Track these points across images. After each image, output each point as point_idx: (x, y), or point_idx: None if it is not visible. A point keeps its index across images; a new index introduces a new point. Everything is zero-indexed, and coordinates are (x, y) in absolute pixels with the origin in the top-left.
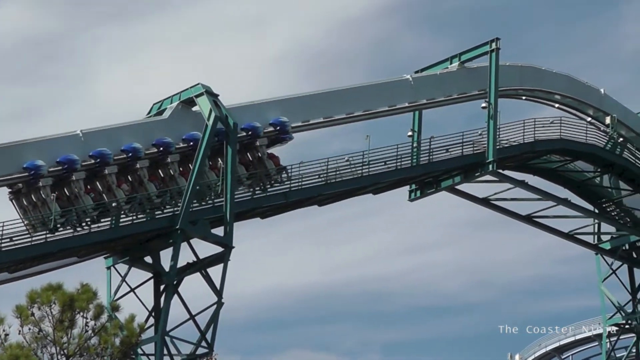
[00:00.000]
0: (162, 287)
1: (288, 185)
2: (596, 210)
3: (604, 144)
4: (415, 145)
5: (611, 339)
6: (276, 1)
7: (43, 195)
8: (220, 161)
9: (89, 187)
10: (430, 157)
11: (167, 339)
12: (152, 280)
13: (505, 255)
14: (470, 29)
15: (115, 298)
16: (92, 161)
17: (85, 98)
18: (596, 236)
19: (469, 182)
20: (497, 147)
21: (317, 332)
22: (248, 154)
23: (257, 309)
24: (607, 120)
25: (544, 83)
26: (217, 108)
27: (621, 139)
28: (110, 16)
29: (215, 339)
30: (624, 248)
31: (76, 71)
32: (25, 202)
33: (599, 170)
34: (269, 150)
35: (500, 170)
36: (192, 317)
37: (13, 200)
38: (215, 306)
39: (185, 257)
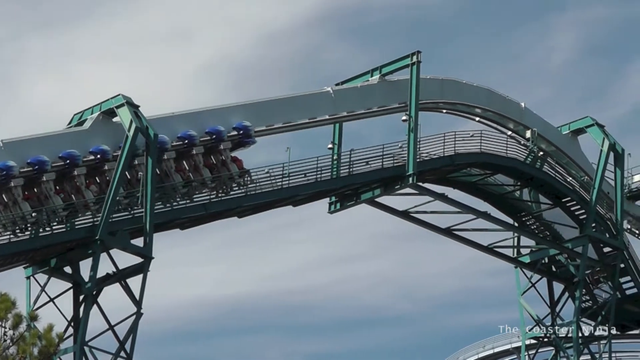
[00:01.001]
0: (81, 297)
1: (208, 197)
2: (516, 224)
3: (524, 157)
4: (335, 157)
5: (530, 352)
6: (202, 12)
7: (15, 195)
8: (185, 163)
9: (57, 187)
10: (350, 169)
11: (86, 349)
12: (71, 290)
13: (430, 267)
14: (398, 41)
15: (34, 308)
16: (62, 162)
17: (10, 107)
18: (516, 249)
19: (389, 195)
20: (418, 160)
21: (241, 344)
22: (212, 157)
23: (182, 320)
24: (528, 134)
25: (464, 96)
26: (138, 119)
27: (541, 153)
28: (36, 26)
29: (134, 350)
30: (543, 262)
31: (1, 80)
32: None
33: (519, 183)
34: (233, 154)
35: (420, 183)
36: (111, 327)
37: None
38: (134, 317)
39: (106, 267)
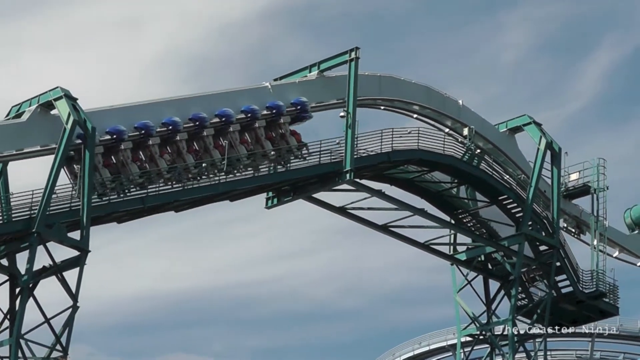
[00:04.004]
0: (17, 289)
1: (145, 191)
2: (452, 221)
3: (462, 155)
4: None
5: (465, 350)
6: (155, 4)
7: (95, 162)
8: (247, 135)
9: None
10: (288, 165)
11: (22, 342)
12: (7, 283)
13: (374, 263)
14: (349, 36)
15: None
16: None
17: None
18: (452, 247)
19: (326, 191)
20: (355, 156)
21: (185, 337)
22: (272, 130)
23: (126, 313)
24: (465, 131)
25: (402, 93)
26: (76, 112)
27: (478, 151)
28: None
29: (70, 343)
30: (479, 259)
31: None
32: (76, 168)
33: (455, 181)
34: (291, 127)
35: (358, 180)
36: (47, 320)
37: (64, 167)
38: (70, 310)
39: (43, 260)
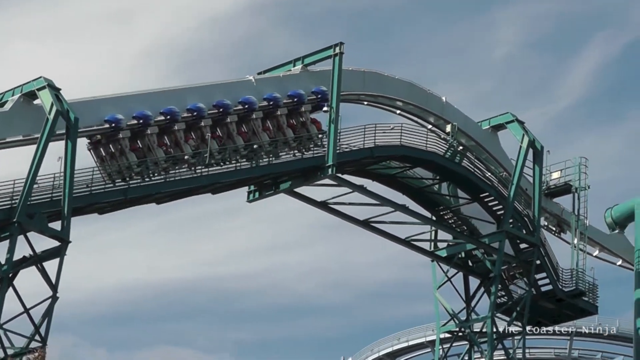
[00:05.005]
0: None
1: (127, 183)
2: (434, 218)
3: (444, 151)
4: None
5: (444, 346)
6: None
7: (122, 146)
8: (269, 122)
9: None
10: (270, 158)
11: (1, 331)
12: None
13: (360, 258)
14: (338, 31)
15: None
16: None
17: None
18: (433, 243)
19: (308, 185)
20: (337, 151)
21: (170, 329)
22: (293, 118)
23: (110, 304)
24: (448, 128)
25: (386, 89)
26: (59, 102)
27: (461, 148)
28: None
29: (49, 333)
30: (459, 256)
31: None
32: (103, 152)
33: (437, 177)
34: (312, 116)
35: (340, 175)
36: (26, 310)
37: (91, 150)
38: (50, 300)
39: (23, 250)
